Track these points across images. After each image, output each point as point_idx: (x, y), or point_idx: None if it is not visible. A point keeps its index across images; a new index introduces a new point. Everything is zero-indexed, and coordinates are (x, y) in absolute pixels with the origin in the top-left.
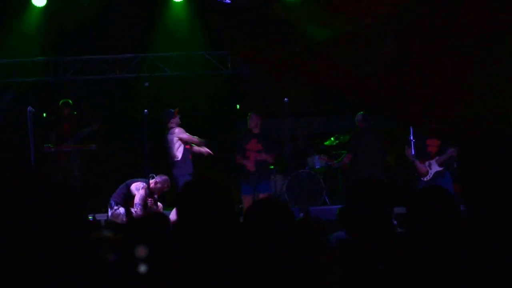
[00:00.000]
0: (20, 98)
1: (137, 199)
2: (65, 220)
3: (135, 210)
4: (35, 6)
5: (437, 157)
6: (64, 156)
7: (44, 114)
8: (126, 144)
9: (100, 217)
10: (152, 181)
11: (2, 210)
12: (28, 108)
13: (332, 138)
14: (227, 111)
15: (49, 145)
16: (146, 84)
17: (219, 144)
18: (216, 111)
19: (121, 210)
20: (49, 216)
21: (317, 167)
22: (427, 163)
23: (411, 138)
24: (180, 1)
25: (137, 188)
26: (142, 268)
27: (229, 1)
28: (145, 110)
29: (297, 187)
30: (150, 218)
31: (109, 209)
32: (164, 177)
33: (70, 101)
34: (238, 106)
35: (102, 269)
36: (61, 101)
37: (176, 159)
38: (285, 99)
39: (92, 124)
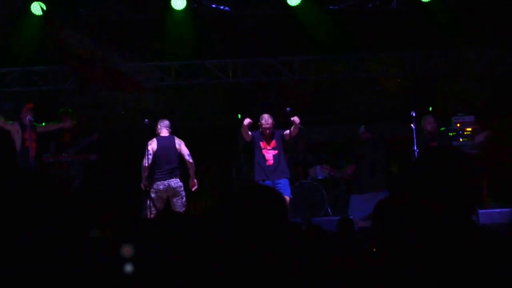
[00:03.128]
0: (19, 108)
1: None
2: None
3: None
4: (34, 15)
5: None
6: (64, 166)
7: (44, 124)
8: (127, 154)
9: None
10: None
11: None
12: (28, 117)
13: (334, 148)
14: (228, 120)
15: (48, 155)
16: None
17: (220, 154)
18: (217, 120)
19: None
20: (46, 219)
21: (319, 177)
22: None
23: (415, 147)
24: (181, 9)
25: (179, 143)
26: (129, 268)
27: (228, 9)
28: (146, 120)
29: (299, 198)
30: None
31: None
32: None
33: (70, 110)
34: (239, 116)
35: (92, 269)
36: (60, 110)
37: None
38: (287, 108)
39: (92, 134)
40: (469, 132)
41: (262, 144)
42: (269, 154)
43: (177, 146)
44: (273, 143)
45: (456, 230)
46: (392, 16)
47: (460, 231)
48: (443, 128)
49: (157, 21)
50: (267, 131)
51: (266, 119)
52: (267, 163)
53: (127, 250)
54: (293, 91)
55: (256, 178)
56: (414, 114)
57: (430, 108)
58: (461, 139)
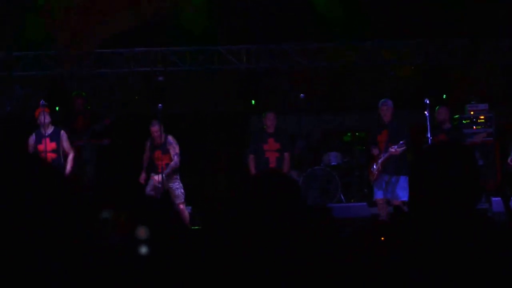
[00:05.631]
0: (33, 92)
1: (177, 150)
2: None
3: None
4: None
5: None
6: (77, 151)
7: (57, 108)
8: (140, 138)
9: None
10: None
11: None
12: (41, 102)
13: (348, 134)
14: (241, 106)
15: None
16: (160, 78)
17: (233, 140)
18: (231, 106)
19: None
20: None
21: (332, 164)
22: None
23: (428, 135)
24: None
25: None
26: (144, 250)
27: None
28: (159, 105)
29: (312, 184)
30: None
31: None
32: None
33: (84, 93)
34: (253, 102)
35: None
36: (73, 92)
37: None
38: (301, 95)
39: (105, 118)
40: (482, 120)
41: (265, 146)
42: (273, 157)
43: None
44: (278, 145)
45: (459, 223)
46: (407, 3)
47: (463, 224)
48: (457, 116)
49: (171, 6)
50: (269, 122)
51: (269, 116)
52: (270, 165)
53: (142, 232)
54: (307, 78)
55: None
56: (428, 102)
57: (444, 96)
58: (474, 127)
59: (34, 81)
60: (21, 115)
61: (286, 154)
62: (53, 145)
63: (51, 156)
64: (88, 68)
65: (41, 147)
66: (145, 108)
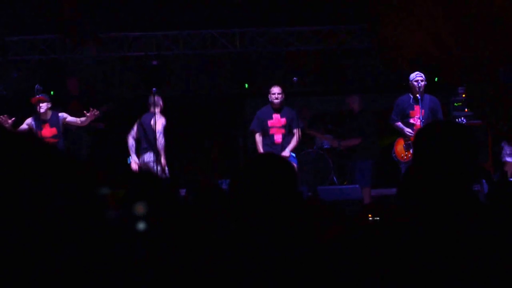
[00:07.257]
0: (27, 76)
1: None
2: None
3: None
4: None
5: None
6: (71, 134)
7: (52, 92)
8: (134, 122)
9: None
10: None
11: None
12: (36, 86)
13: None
14: (235, 90)
15: None
16: (154, 62)
17: (227, 124)
18: (225, 90)
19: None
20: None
21: (325, 146)
22: None
23: (421, 117)
24: None
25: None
26: (141, 226)
27: None
28: (154, 89)
29: (305, 167)
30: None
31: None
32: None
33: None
34: (246, 85)
35: (102, 227)
36: (68, 77)
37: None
38: (294, 78)
39: (102, 106)
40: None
41: (270, 122)
42: (278, 134)
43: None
44: (283, 121)
45: (455, 203)
46: None
47: (459, 204)
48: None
49: None
50: (276, 100)
51: (274, 90)
52: (275, 142)
53: (140, 208)
54: (300, 61)
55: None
56: None
57: (436, 79)
58: (466, 109)
59: (29, 65)
60: (16, 98)
61: (295, 131)
62: (53, 130)
63: (52, 142)
64: (83, 52)
65: (40, 133)
66: (140, 92)
